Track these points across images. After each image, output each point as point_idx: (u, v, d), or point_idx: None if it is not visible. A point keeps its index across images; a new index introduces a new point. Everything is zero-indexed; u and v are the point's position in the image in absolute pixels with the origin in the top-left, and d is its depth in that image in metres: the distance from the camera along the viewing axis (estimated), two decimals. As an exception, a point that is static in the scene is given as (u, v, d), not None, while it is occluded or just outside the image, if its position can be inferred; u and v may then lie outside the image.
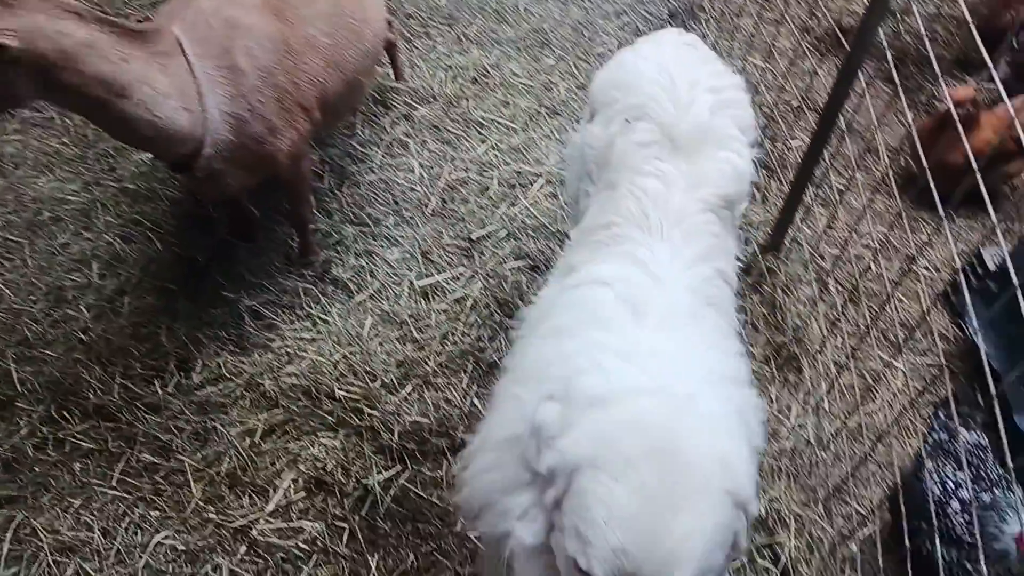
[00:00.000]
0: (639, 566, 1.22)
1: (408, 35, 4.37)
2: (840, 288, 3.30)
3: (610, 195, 2.00)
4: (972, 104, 3.50)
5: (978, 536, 1.97)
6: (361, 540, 2.48)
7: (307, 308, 3.04)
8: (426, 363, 2.87)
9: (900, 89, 2.40)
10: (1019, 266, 1.83)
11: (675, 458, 1.30)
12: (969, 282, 3.29)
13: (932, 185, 2.19)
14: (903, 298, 3.38)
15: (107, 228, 3.28)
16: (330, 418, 2.71)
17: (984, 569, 1.81)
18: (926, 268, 3.54)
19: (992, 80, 2.81)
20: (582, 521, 1.29)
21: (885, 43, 2.54)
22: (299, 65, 2.61)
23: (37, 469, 2.61)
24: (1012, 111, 2.03)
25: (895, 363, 3.07)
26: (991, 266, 3.30)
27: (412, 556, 2.45)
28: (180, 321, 2.98)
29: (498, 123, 3.83)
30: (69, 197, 3.40)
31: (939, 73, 2.12)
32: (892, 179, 3.67)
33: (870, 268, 3.37)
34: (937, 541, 2.05)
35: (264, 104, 2.51)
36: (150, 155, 3.45)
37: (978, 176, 1.75)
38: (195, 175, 2.51)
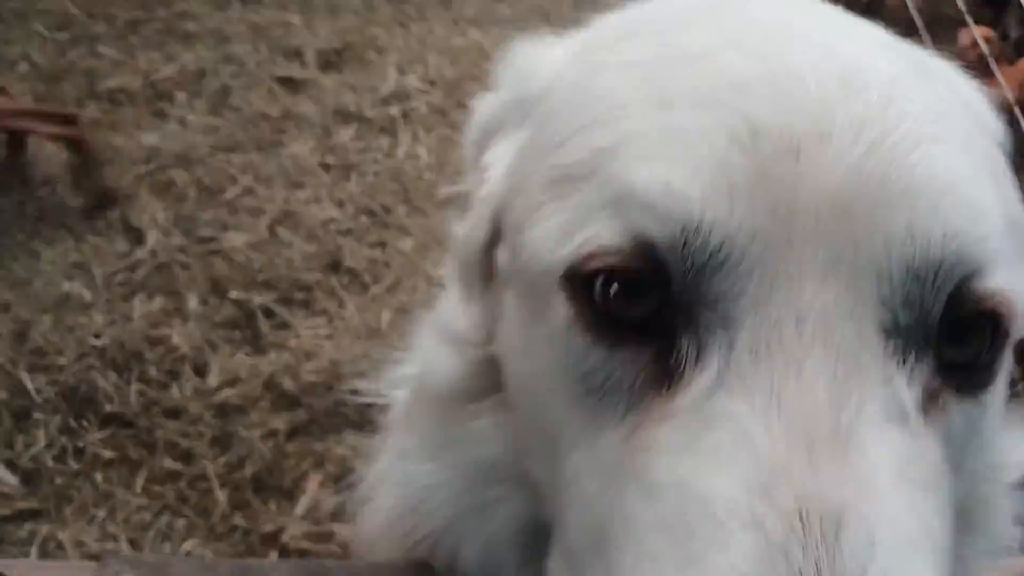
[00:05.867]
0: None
1: (402, 21, 4.29)
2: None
3: None
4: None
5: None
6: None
7: (322, 303, 2.98)
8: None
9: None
10: None
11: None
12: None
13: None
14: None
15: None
16: (354, 416, 2.66)
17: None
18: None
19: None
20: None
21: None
22: None
23: (58, 481, 2.55)
24: None
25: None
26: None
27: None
28: (191, 323, 2.91)
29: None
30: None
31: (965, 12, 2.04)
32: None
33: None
34: None
35: None
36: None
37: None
38: None
